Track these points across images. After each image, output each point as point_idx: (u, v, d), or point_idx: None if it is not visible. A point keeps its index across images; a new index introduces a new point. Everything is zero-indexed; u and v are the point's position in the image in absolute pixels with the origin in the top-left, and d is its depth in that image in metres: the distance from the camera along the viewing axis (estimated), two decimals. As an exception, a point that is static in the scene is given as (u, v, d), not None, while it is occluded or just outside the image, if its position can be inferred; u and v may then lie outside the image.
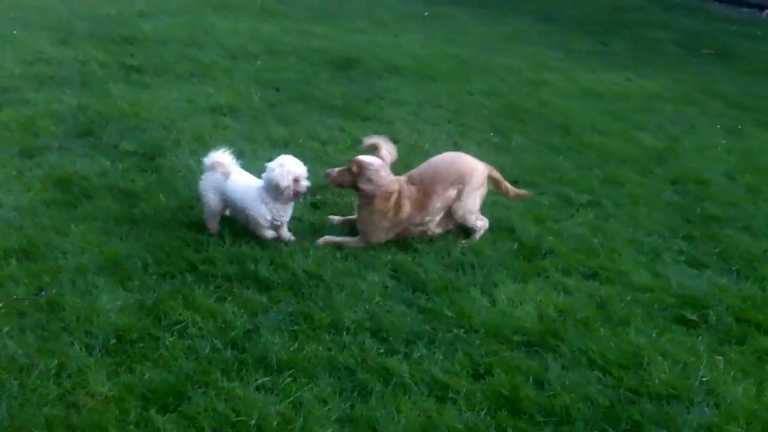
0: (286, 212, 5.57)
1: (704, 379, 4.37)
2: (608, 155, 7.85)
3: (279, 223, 5.57)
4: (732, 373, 4.45)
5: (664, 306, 5.10)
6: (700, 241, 6.06)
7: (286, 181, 5.39)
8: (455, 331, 4.71)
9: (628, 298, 5.16)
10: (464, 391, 4.19)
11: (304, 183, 5.47)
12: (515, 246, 5.78)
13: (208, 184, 5.58)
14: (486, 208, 6.01)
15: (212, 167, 5.55)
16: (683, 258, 5.78)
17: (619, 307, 5.07)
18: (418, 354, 4.46)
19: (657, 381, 4.33)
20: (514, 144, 7.96)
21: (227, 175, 5.54)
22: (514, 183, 6.31)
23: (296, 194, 5.48)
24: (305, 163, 5.51)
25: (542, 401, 4.15)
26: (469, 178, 5.74)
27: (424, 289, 5.16)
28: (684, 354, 4.59)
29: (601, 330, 4.78)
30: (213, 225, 5.65)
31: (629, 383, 4.32)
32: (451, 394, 4.17)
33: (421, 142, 7.83)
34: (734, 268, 5.66)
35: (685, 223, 6.36)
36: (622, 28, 15.26)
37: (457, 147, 7.71)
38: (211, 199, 5.58)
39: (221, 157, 5.54)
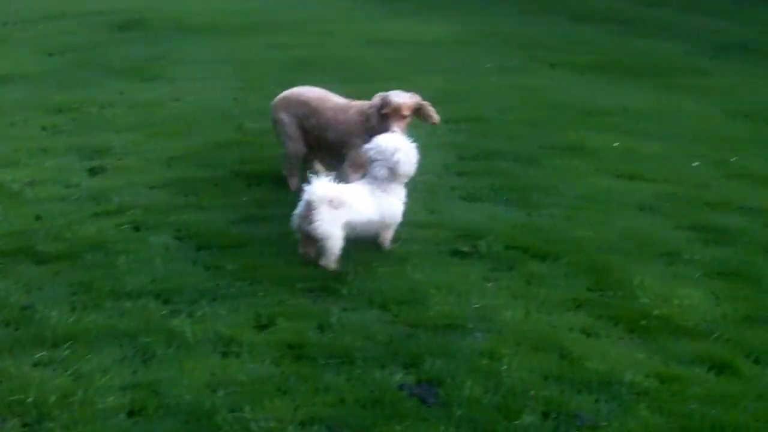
0: None
1: (476, 306, 4.60)
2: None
3: None
4: (503, 298, 4.71)
5: (439, 241, 5.31)
6: (473, 175, 6.34)
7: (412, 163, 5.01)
8: (239, 284, 4.75)
9: (405, 236, 5.34)
10: (248, 343, 4.24)
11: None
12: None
13: (333, 223, 4.82)
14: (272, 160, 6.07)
15: (331, 203, 4.80)
16: (457, 193, 6.03)
17: (397, 245, 5.26)
18: (202, 312, 4.47)
19: (433, 313, 4.52)
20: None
21: (342, 205, 4.85)
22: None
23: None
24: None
25: (325, 344, 4.26)
26: None
27: (209, 246, 5.17)
28: (458, 284, 4.81)
29: (380, 270, 4.94)
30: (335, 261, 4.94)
31: (407, 318, 4.50)
32: (235, 348, 4.20)
33: (203, 100, 7.77)
34: (504, 198, 5.96)
35: (460, 160, 6.63)
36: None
37: (241, 102, 7.72)
38: (339, 237, 4.87)
39: (331, 190, 4.82)
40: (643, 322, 4.47)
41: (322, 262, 4.86)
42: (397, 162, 4.97)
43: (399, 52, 10.02)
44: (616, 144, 6.99)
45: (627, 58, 9.99)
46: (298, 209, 4.88)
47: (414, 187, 6.00)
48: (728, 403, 3.87)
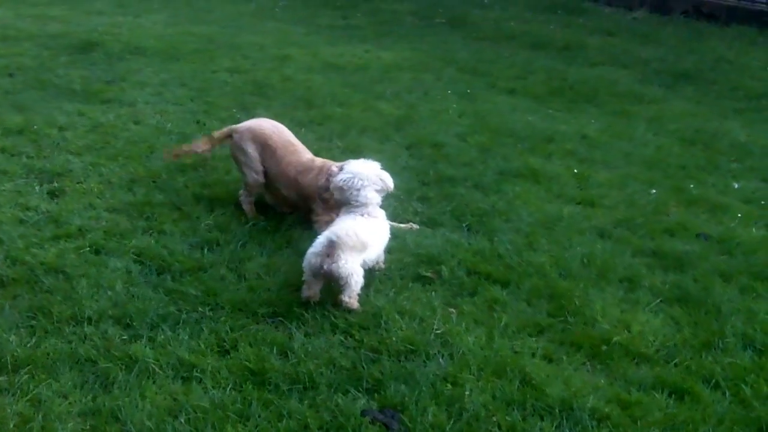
0: None
1: (438, 332, 4.62)
2: (349, 125, 8.05)
3: None
4: (464, 323, 4.73)
5: (402, 266, 5.34)
6: (434, 201, 6.38)
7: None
8: (201, 309, 4.73)
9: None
10: (210, 368, 4.22)
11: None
12: (262, 220, 5.88)
13: (354, 262, 4.77)
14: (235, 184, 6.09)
15: (354, 247, 4.78)
16: (419, 218, 6.06)
17: (365, 273, 5.25)
18: (163, 337, 4.45)
19: (395, 338, 4.54)
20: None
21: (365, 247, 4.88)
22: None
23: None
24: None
25: (287, 370, 4.25)
26: None
27: (170, 270, 5.15)
28: (420, 310, 4.83)
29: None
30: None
31: (370, 343, 4.51)
32: (196, 374, 4.19)
33: (163, 123, 7.74)
34: (465, 224, 6.00)
35: (421, 185, 6.67)
36: (363, 2, 15.57)
37: (200, 126, 7.70)
38: (361, 274, 4.81)
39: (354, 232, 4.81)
40: (604, 348, 4.52)
41: (345, 299, 4.77)
42: (384, 179, 5.12)
43: (357, 77, 10.06)
44: (575, 171, 7.07)
45: (583, 86, 10.12)
46: (317, 249, 4.76)
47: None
48: (688, 429, 3.94)
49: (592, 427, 3.90)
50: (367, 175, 5.12)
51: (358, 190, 5.10)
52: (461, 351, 4.47)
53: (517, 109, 9.10)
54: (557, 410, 3.99)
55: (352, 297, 4.78)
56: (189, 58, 10.40)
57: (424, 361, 4.38)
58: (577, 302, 4.95)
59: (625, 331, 4.70)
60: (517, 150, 7.60)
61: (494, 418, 3.92)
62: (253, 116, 7.44)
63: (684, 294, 5.12)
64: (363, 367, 4.31)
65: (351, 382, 4.22)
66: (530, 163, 7.20)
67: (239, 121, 6.30)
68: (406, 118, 8.47)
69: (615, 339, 4.59)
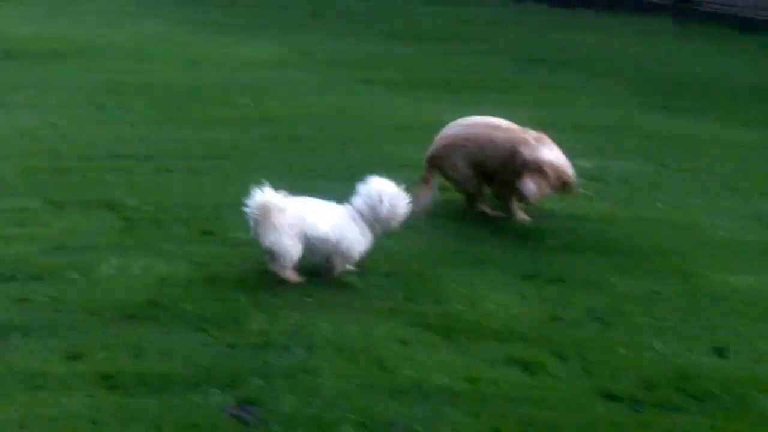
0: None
1: (295, 322, 4.64)
2: (208, 121, 8.05)
3: None
4: (321, 312, 4.75)
5: (257, 259, 5.33)
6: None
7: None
8: (49, 316, 4.60)
9: (225, 257, 5.35)
10: (59, 376, 4.10)
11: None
12: (116, 219, 5.77)
13: (283, 231, 4.86)
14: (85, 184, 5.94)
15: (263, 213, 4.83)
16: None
17: (220, 267, 5.24)
18: (9, 346, 4.31)
19: (252, 332, 4.54)
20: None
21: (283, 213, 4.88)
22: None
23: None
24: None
25: (141, 371, 4.17)
26: None
27: (16, 277, 4.99)
28: (277, 301, 4.84)
29: (197, 292, 4.92)
30: (295, 275, 5.01)
31: (226, 338, 4.47)
32: (46, 382, 4.06)
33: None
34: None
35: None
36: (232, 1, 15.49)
37: (58, 128, 7.53)
38: (293, 247, 4.90)
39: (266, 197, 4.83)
40: (457, 327, 4.63)
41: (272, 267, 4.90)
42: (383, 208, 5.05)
43: (220, 74, 10.01)
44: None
45: (441, 74, 10.32)
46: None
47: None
48: (537, 401, 4.05)
49: (444, 406, 3.97)
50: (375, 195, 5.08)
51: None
52: (317, 339, 4.49)
53: (376, 99, 9.21)
54: (409, 391, 4.06)
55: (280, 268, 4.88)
56: (53, 59, 10.21)
57: (281, 353, 4.39)
58: (430, 285, 5.05)
59: (476, 309, 4.82)
60: (375, 140, 7.72)
61: (348, 404, 3.96)
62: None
63: (532, 269, 5.30)
64: (219, 364, 4.28)
65: (207, 379, 4.16)
66: (388, 152, 7.29)
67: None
68: (265, 112, 8.44)
69: (466, 317, 4.71)
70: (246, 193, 4.83)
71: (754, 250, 5.78)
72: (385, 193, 5.04)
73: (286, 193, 4.96)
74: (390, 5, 15.05)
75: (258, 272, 5.17)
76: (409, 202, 5.10)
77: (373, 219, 5.07)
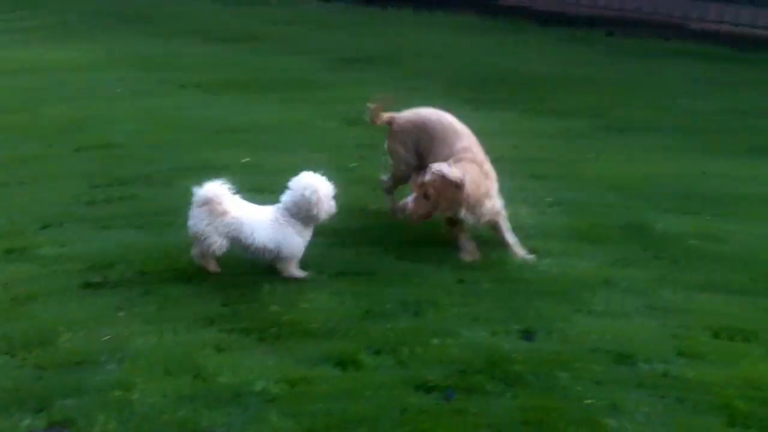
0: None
1: (107, 338, 4.53)
2: (11, 133, 7.69)
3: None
4: (135, 325, 4.67)
5: (68, 275, 5.17)
6: (104, 204, 6.23)
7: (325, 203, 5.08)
8: None
9: (30, 274, 5.16)
10: None
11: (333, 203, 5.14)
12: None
13: (211, 226, 5.00)
14: None
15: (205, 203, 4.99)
16: (88, 224, 5.90)
17: (27, 286, 5.04)
18: None
19: (62, 352, 4.40)
20: None
21: (223, 214, 4.97)
22: None
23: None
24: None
25: (-59, 401, 3.99)
26: None
27: None
28: (89, 318, 4.71)
29: (5, 312, 4.74)
30: (214, 265, 5.18)
31: (35, 360, 4.33)
32: None
33: None
34: (137, 224, 5.91)
35: (91, 189, 6.48)
36: (26, 2, 14.81)
37: None
38: (217, 243, 5.02)
39: (216, 190, 4.98)
40: (273, 329, 4.63)
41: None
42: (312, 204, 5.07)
43: (28, 81, 9.62)
44: (245, 160, 7.16)
45: (258, 76, 10.25)
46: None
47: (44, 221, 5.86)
48: (352, 396, 4.12)
49: (262, 410, 3.99)
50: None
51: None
52: (131, 354, 4.40)
53: (194, 103, 9.10)
54: (227, 398, 4.04)
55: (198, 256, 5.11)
56: None
57: (93, 371, 4.27)
58: (243, 290, 5.04)
59: (293, 309, 4.84)
60: (191, 144, 7.60)
61: (165, 417, 3.91)
62: None
63: (347, 267, 5.36)
64: (28, 387, 4.14)
65: (15, 403, 4.02)
66: (204, 157, 7.20)
67: None
68: (74, 120, 8.19)
69: (284, 319, 4.72)
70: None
71: (556, 233, 6.02)
72: (312, 187, 5.09)
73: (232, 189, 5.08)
74: (197, 6, 14.86)
75: (67, 288, 5.02)
76: (334, 196, 5.19)
77: (304, 215, 5.11)
